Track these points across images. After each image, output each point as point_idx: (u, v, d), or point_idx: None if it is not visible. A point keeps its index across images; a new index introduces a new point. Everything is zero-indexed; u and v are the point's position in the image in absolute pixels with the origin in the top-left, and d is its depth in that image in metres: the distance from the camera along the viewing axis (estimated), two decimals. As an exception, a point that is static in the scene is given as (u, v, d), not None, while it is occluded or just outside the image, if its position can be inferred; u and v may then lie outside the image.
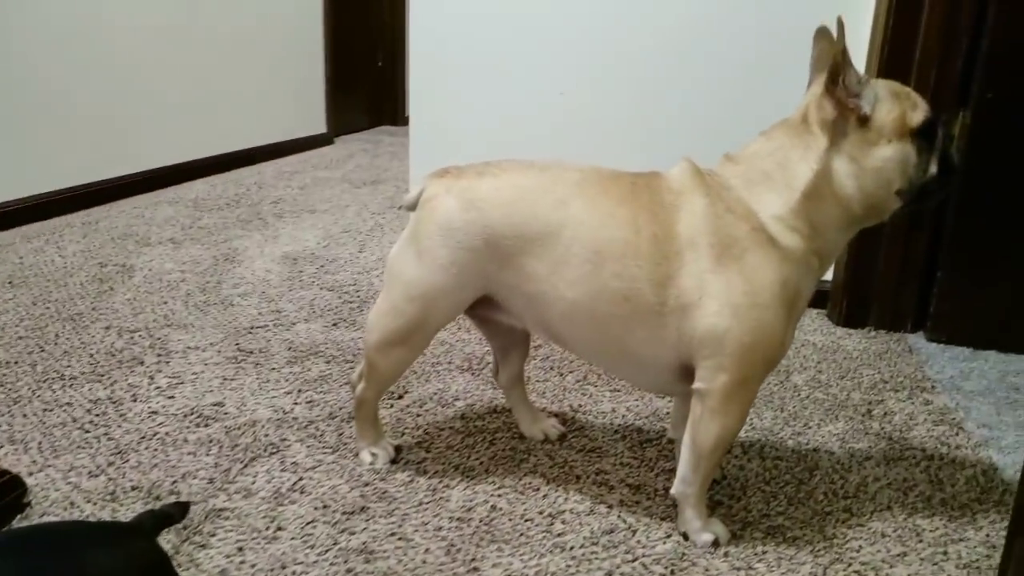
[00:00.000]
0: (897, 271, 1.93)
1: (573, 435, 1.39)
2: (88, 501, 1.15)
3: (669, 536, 1.12)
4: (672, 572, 1.04)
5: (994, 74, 1.73)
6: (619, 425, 1.43)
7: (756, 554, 1.09)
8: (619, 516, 1.16)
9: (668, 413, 1.47)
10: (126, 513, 1.13)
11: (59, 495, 1.16)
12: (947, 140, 1.01)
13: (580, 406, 1.49)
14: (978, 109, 1.76)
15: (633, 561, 1.06)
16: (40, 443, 1.29)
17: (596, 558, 1.07)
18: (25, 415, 1.38)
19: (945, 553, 1.10)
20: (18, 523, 1.10)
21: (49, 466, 1.23)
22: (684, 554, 1.08)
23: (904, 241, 1.91)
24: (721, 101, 2.01)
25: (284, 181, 3.42)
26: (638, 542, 1.10)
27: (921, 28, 1.76)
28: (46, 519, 1.11)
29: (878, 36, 1.83)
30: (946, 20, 1.75)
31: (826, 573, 1.05)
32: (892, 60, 1.79)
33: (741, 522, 1.16)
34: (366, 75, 5.15)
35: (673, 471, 1.22)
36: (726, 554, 1.08)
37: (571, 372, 1.64)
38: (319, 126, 4.44)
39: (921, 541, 1.13)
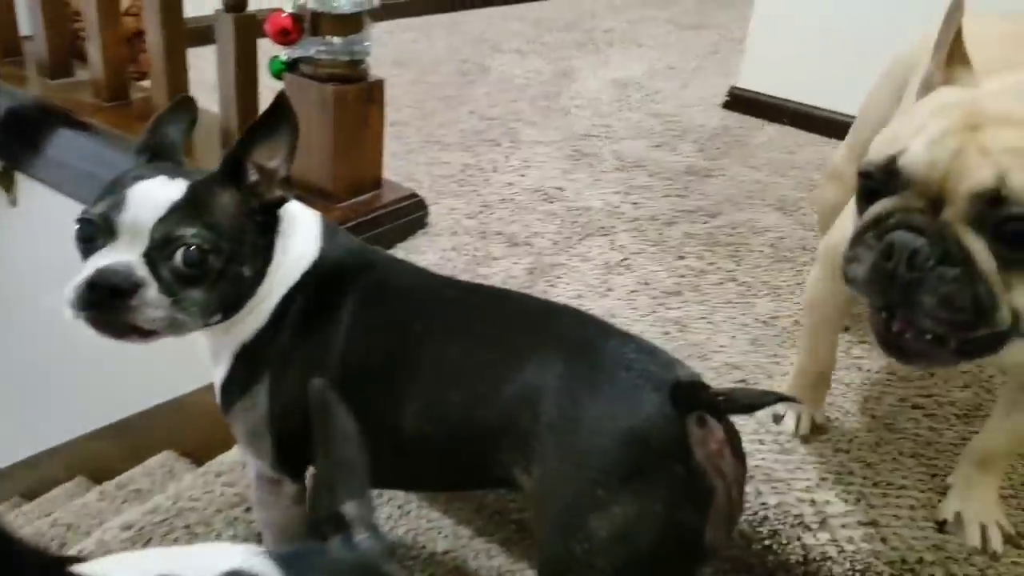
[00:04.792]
0: None
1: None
2: (467, 234, 1.46)
3: (967, 386, 1.17)
4: (967, 416, 1.11)
5: None
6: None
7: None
8: (916, 356, 1.24)
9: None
10: (494, 248, 1.41)
11: (446, 225, 1.48)
12: None
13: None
14: None
15: (927, 396, 1.15)
16: (430, 185, 1.62)
17: (891, 384, 1.17)
18: (416, 163, 1.73)
19: None
20: (419, 237, 1.43)
21: (437, 203, 1.55)
22: (980, 405, 1.14)
23: None
24: None
25: (614, 14, 3.53)
26: (935, 383, 1.18)
27: None
28: (439, 239, 1.43)
29: None
30: None
31: None
32: None
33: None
34: (706, -84, 4.95)
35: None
36: None
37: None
38: (651, -35, 4.42)
39: None
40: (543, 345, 0.74)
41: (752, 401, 0.71)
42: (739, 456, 0.73)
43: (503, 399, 0.73)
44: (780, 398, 0.75)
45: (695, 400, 0.68)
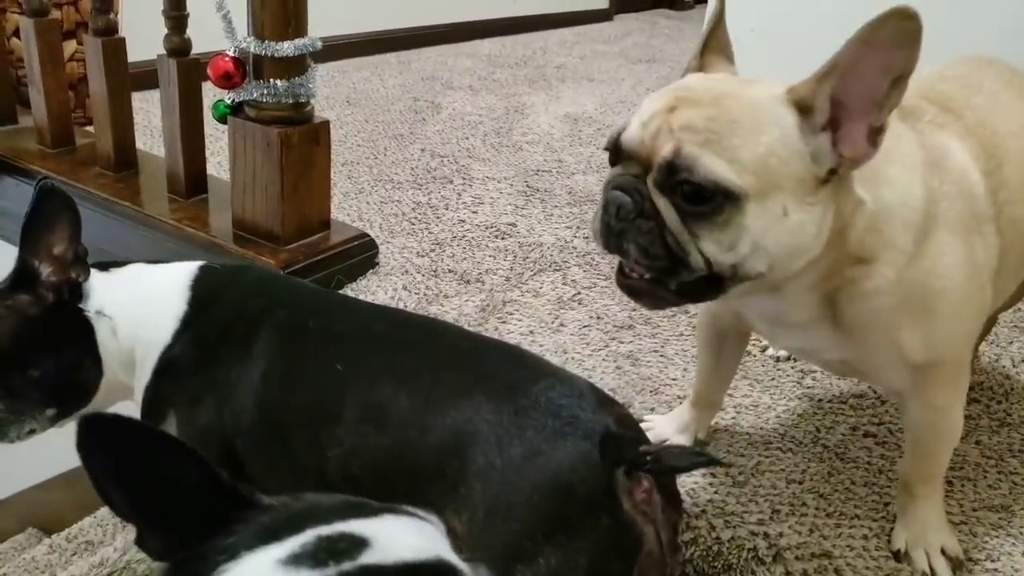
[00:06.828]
0: None
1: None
2: (418, 272, 1.45)
3: (913, 409, 1.19)
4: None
5: None
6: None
7: None
8: (871, 388, 1.24)
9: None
10: (446, 286, 1.41)
11: (397, 264, 1.47)
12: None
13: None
14: None
15: (879, 424, 1.15)
16: (381, 224, 1.62)
17: (842, 413, 1.17)
18: (368, 203, 1.72)
19: None
20: (369, 277, 1.42)
21: (388, 242, 1.55)
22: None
23: None
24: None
25: (565, 50, 3.58)
26: (886, 411, 1.19)
27: None
28: (390, 278, 1.42)
29: None
30: None
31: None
32: None
33: None
34: (654, -46, 5.08)
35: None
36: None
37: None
38: (601, 1, 4.51)
39: None
40: (472, 387, 0.74)
41: (681, 463, 0.69)
42: (670, 496, 0.72)
43: (432, 444, 0.72)
44: (710, 461, 0.75)
45: (623, 456, 0.67)
